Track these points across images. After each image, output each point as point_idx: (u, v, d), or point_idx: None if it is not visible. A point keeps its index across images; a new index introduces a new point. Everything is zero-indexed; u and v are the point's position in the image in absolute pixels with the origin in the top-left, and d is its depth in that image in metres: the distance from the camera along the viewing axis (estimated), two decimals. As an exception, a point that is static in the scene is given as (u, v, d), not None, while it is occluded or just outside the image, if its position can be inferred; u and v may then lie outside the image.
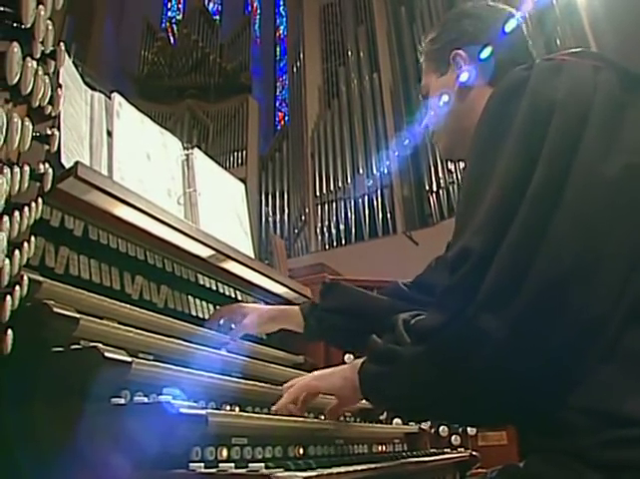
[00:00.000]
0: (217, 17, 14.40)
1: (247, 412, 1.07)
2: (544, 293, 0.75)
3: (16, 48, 0.59)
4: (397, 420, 1.77)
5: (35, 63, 0.65)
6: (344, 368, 1.11)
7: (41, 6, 0.64)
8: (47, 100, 0.76)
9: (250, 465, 0.72)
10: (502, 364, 0.76)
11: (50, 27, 0.69)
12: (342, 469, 0.88)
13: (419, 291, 1.41)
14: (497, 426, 0.93)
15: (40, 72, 0.68)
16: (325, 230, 9.65)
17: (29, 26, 0.63)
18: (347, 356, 2.00)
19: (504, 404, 0.81)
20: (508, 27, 1.22)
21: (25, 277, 0.78)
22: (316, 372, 1.17)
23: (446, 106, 1.22)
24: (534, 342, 0.75)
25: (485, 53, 1.18)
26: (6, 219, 0.66)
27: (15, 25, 0.62)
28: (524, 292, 0.75)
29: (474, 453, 1.54)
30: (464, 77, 1.18)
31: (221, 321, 1.45)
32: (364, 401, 1.12)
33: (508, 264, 0.76)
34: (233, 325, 1.46)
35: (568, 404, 0.76)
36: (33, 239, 0.80)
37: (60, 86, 0.91)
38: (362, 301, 1.45)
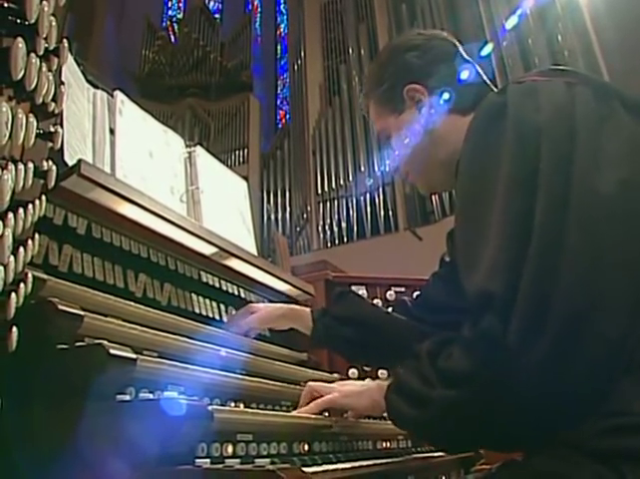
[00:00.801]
0: (218, 15, 14.39)
1: (252, 409, 1.07)
2: (568, 326, 0.74)
3: (20, 44, 0.58)
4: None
5: (38, 60, 0.65)
6: (371, 389, 1.10)
7: (44, 2, 0.64)
8: (50, 97, 0.75)
9: (256, 461, 0.73)
10: (532, 399, 0.75)
11: (53, 23, 0.69)
12: (347, 465, 0.89)
13: (419, 309, 1.42)
14: (519, 450, 0.93)
15: (44, 69, 0.68)
16: (327, 227, 9.65)
17: (33, 22, 0.63)
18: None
19: (529, 430, 0.80)
20: (455, 52, 1.22)
21: (29, 275, 0.78)
22: (343, 388, 1.15)
23: (415, 142, 1.18)
24: (562, 376, 0.75)
25: (447, 83, 1.15)
26: (10, 216, 0.66)
27: (19, 21, 0.62)
28: (549, 329, 0.73)
29: (478, 449, 1.55)
30: (432, 109, 1.16)
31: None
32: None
33: (531, 305, 0.75)
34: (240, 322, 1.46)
35: (587, 418, 0.76)
36: (37, 236, 0.80)
37: (63, 83, 0.91)
38: (370, 315, 1.46)
